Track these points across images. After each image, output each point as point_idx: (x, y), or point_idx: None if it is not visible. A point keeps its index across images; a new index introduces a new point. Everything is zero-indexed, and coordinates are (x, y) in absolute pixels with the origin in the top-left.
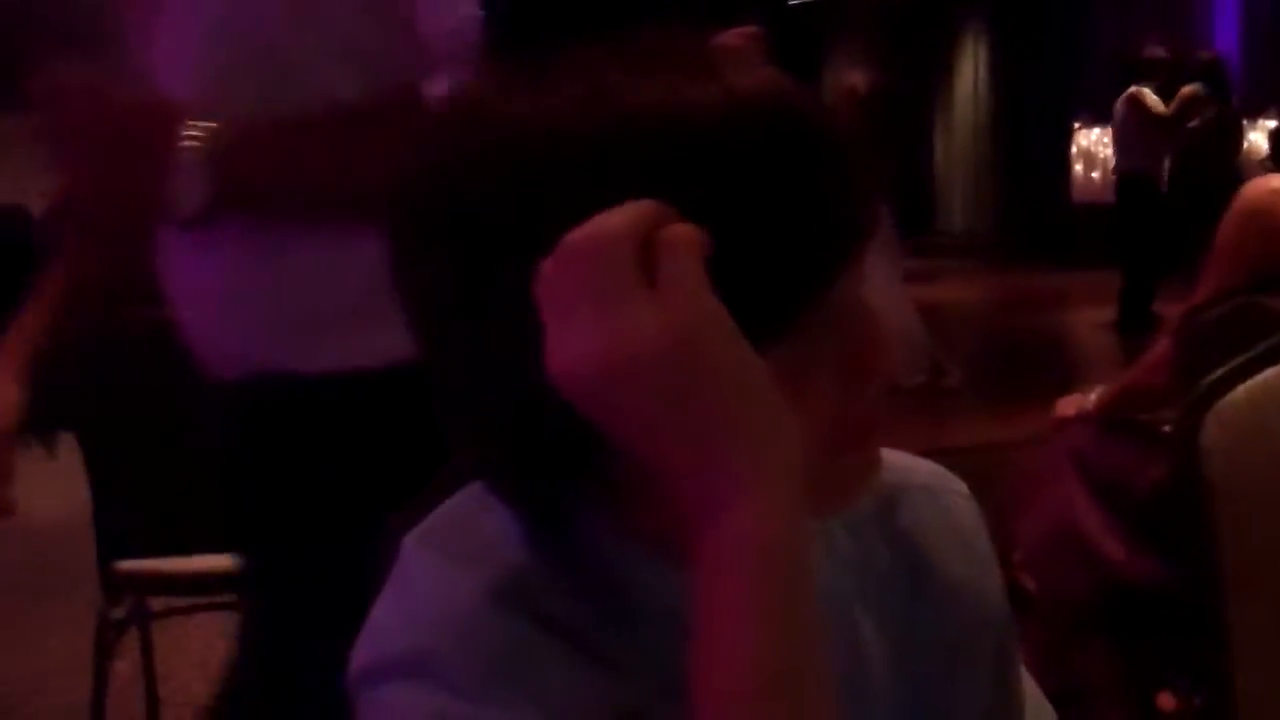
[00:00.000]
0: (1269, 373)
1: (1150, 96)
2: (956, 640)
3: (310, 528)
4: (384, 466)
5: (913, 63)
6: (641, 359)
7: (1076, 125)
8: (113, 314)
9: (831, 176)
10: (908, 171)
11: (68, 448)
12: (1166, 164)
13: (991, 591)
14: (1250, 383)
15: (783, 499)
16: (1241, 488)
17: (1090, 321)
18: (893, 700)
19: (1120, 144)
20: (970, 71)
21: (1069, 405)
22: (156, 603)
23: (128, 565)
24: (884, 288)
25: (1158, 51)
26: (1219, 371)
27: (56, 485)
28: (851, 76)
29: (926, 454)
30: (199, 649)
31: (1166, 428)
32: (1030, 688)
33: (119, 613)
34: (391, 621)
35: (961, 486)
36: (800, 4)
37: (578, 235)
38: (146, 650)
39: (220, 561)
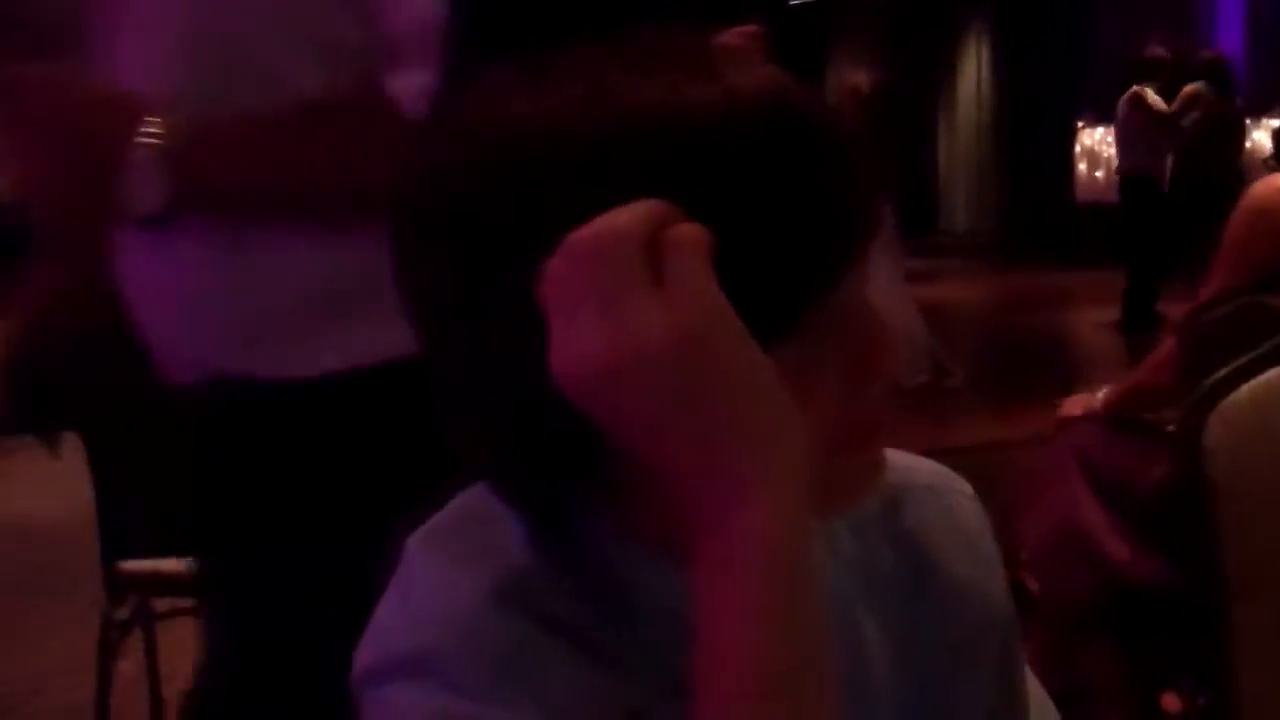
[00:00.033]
0: (1272, 372)
1: (1153, 96)
2: (960, 640)
3: (273, 531)
4: (348, 470)
5: (915, 62)
6: (648, 358)
7: (1080, 125)
8: (107, 313)
9: (833, 176)
10: (910, 171)
11: (71, 448)
12: (1169, 163)
13: (996, 592)
14: (1254, 382)
15: (788, 500)
16: (1245, 487)
17: (1094, 321)
18: (895, 701)
19: (1123, 143)
20: (973, 71)
21: (1075, 405)
22: (161, 603)
23: (131, 565)
24: (886, 288)
25: (1160, 51)
26: (1222, 371)
27: (60, 485)
28: (854, 76)
29: (929, 454)
30: None
31: (1170, 427)
32: (1034, 688)
33: (123, 613)
34: (395, 621)
35: (965, 486)
36: (802, 3)
37: (584, 234)
38: (151, 651)
39: None
